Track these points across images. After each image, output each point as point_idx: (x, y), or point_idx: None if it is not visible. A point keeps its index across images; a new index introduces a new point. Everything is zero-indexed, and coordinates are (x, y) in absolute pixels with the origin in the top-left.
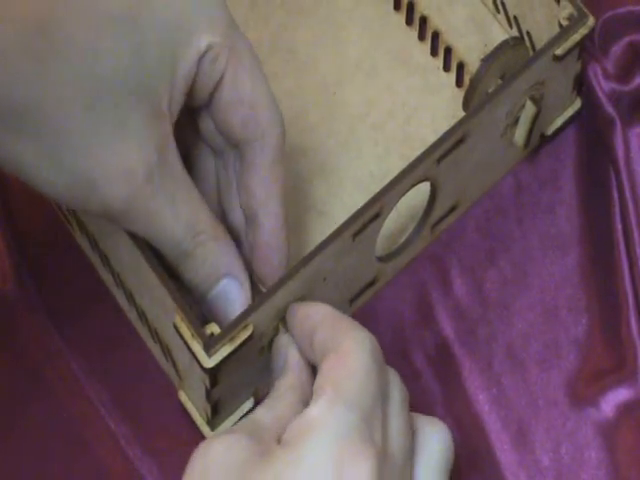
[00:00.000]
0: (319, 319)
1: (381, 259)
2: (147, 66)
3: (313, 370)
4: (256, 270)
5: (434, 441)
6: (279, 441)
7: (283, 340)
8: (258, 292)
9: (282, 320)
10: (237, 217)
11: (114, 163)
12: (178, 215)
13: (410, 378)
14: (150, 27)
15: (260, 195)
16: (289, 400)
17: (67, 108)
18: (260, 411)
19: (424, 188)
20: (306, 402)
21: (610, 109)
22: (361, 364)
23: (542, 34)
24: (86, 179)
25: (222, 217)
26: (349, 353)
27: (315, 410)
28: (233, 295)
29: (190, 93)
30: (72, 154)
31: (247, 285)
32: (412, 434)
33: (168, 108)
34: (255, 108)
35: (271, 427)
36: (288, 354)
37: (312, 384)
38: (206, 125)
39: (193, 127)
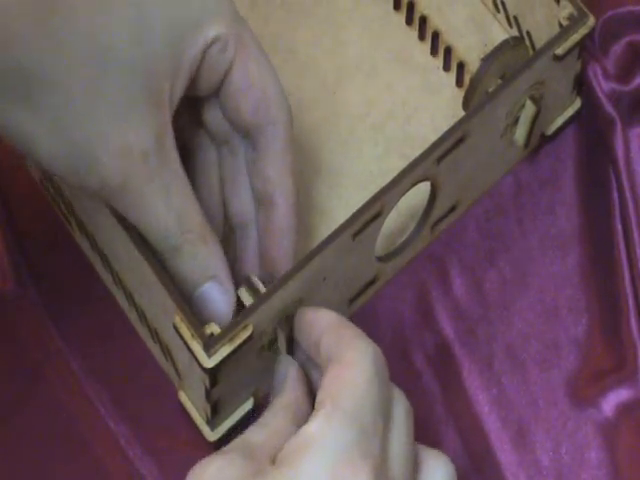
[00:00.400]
0: (325, 325)
1: (381, 259)
2: (152, 48)
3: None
4: (266, 255)
5: (438, 476)
6: (273, 460)
7: (283, 360)
8: (257, 293)
9: (281, 323)
10: (242, 206)
11: (113, 138)
12: (170, 206)
13: (410, 378)
14: (157, 13)
15: (275, 179)
16: (282, 419)
17: (71, 76)
18: (252, 430)
19: (424, 188)
20: (299, 422)
21: (610, 109)
22: (362, 376)
23: (542, 34)
24: (85, 151)
25: (225, 208)
26: (350, 364)
27: (312, 426)
28: (216, 299)
29: (197, 83)
30: (73, 124)
31: (231, 293)
32: (415, 464)
33: (169, 95)
34: (265, 93)
35: (263, 445)
36: (287, 374)
37: (308, 404)
38: (211, 115)
39: (197, 119)
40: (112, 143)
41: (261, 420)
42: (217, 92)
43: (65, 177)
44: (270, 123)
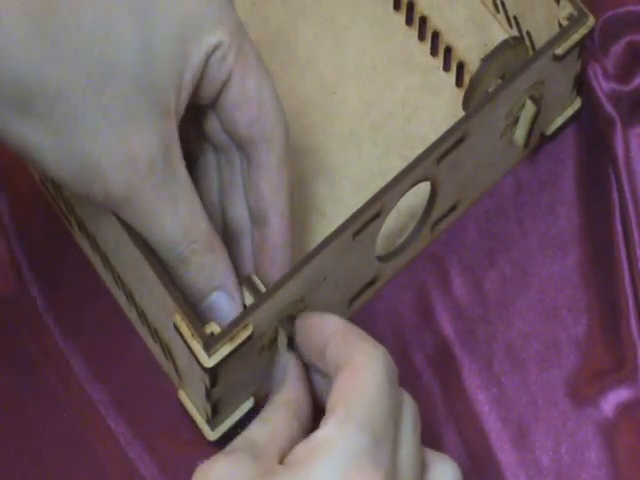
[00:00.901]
0: (331, 331)
1: (381, 259)
2: (156, 60)
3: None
4: (261, 270)
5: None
6: (279, 458)
7: (284, 357)
8: (257, 293)
9: (282, 323)
10: (238, 214)
11: (119, 149)
12: (177, 216)
13: (410, 378)
14: (160, 21)
15: (269, 196)
16: (283, 415)
17: (77, 90)
18: (255, 427)
19: (424, 188)
20: (300, 419)
21: (610, 109)
22: (373, 381)
23: (542, 34)
24: (90, 162)
25: (223, 214)
26: (361, 369)
27: (324, 431)
28: (224, 309)
29: (197, 91)
30: (79, 136)
31: (239, 301)
32: (422, 467)
33: (175, 104)
34: (261, 108)
35: (267, 443)
36: (287, 371)
37: (309, 401)
38: (211, 123)
39: (197, 125)
40: (116, 153)
41: (262, 416)
42: (215, 102)
43: (70, 186)
44: (265, 139)
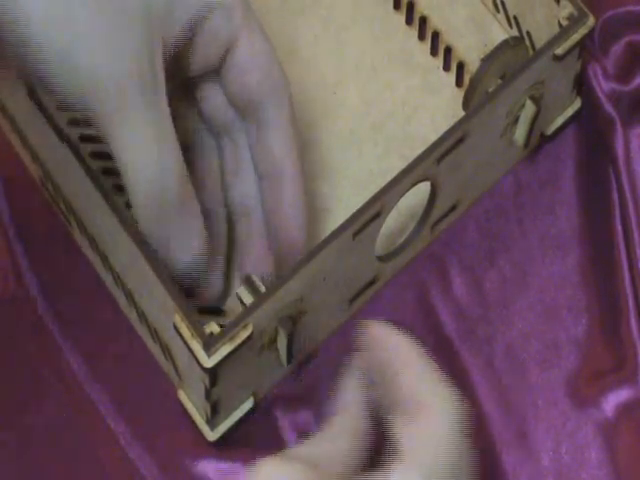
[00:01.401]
0: (403, 360)
1: (381, 259)
2: None
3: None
4: (278, 230)
5: None
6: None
7: (351, 383)
8: (257, 292)
9: (281, 322)
10: (246, 192)
11: (107, 47)
12: (160, 155)
13: None
14: None
15: (282, 151)
16: (346, 443)
17: None
18: (314, 443)
19: (424, 187)
20: (356, 443)
21: (610, 109)
22: (444, 434)
23: (542, 34)
24: (86, 72)
25: (227, 197)
26: (434, 418)
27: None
28: (200, 274)
29: (200, 50)
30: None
31: (221, 274)
32: None
33: (167, 32)
34: (267, 70)
35: (328, 464)
36: (352, 398)
37: (366, 424)
38: (214, 103)
39: (197, 113)
40: (108, 52)
41: (322, 435)
42: (219, 68)
43: (52, 80)
44: (275, 97)
